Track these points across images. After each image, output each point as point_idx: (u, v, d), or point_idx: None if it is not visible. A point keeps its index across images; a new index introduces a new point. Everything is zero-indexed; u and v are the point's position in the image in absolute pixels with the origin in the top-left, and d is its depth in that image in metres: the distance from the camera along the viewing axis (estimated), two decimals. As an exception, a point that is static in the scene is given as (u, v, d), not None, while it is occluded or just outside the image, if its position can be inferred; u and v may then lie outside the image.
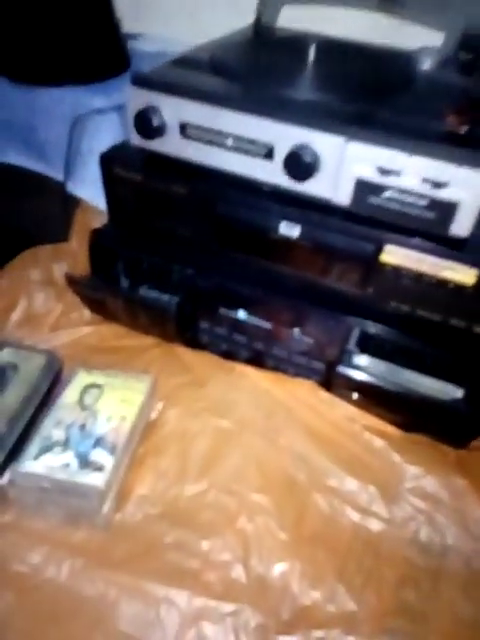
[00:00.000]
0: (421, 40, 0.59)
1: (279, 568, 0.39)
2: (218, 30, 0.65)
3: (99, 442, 0.40)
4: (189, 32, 0.78)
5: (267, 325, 0.54)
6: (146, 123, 0.48)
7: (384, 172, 0.41)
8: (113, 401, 0.43)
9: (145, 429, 0.48)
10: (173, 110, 0.47)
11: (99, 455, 0.39)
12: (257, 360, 0.56)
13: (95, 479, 0.37)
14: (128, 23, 0.83)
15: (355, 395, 0.51)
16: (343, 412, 0.51)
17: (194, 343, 0.58)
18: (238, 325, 0.56)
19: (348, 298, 0.49)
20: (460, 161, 0.38)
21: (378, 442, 0.48)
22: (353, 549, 0.41)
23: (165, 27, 0.85)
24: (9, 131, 0.71)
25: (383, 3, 0.62)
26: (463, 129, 0.42)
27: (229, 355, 0.57)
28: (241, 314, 0.55)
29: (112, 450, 0.39)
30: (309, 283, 0.50)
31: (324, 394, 0.52)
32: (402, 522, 0.43)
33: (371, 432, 0.49)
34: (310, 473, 0.46)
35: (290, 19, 0.69)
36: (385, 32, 0.68)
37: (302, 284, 0.51)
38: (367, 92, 0.47)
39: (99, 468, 0.38)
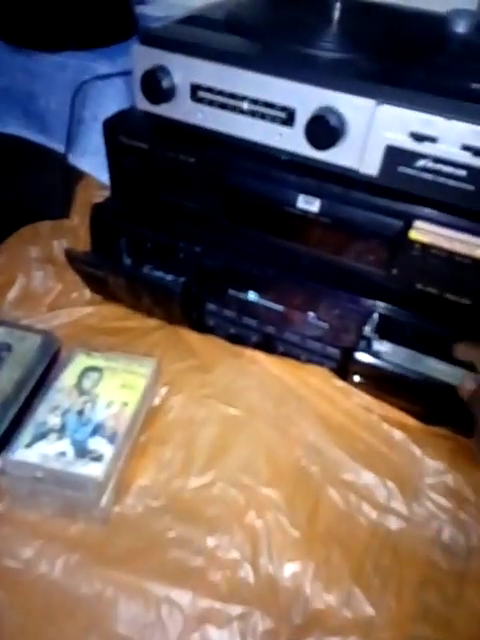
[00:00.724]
0: (455, 3, 0.55)
1: (290, 568, 0.36)
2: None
3: (98, 429, 0.37)
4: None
5: (279, 308, 0.51)
6: (154, 85, 0.44)
7: (418, 138, 0.37)
8: (113, 386, 0.40)
9: (147, 416, 0.45)
10: (184, 71, 0.43)
11: (98, 443, 0.36)
12: (268, 345, 0.53)
13: (93, 469, 0.34)
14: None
15: (372, 384, 0.48)
16: (359, 401, 0.47)
17: (200, 326, 0.55)
18: (248, 307, 0.52)
19: (369, 279, 0.46)
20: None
21: (397, 434, 0.45)
22: (370, 549, 0.38)
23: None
24: (8, 100, 0.67)
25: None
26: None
27: (238, 339, 0.54)
28: (251, 295, 0.52)
29: (112, 438, 0.36)
30: (327, 263, 0.47)
31: (339, 382, 0.49)
32: (423, 520, 0.40)
33: (389, 423, 0.46)
34: (324, 466, 0.43)
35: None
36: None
37: (319, 264, 0.47)
38: (398, 52, 0.43)
39: (97, 458, 0.35)
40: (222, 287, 0.53)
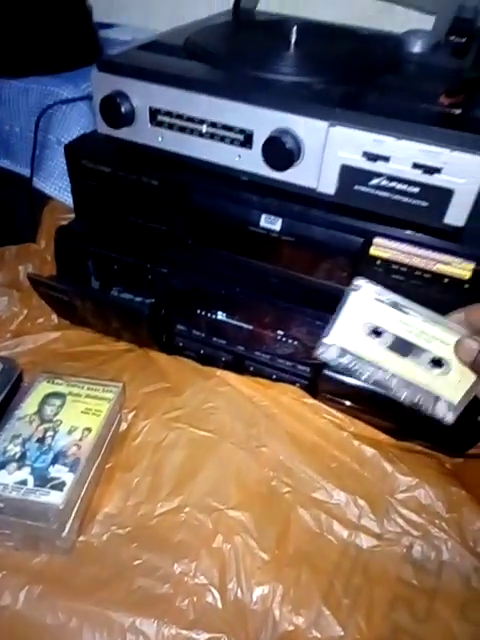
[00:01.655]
0: (411, 24, 0.59)
1: (259, 591, 0.37)
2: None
3: (59, 457, 0.37)
4: (167, 22, 0.77)
5: (248, 327, 0.53)
6: (113, 110, 0.46)
7: (371, 158, 0.39)
8: (76, 412, 0.41)
9: (114, 441, 0.45)
10: (142, 95, 0.45)
11: (59, 471, 0.36)
12: (238, 365, 0.54)
13: (53, 498, 0.35)
14: (102, 12, 0.82)
15: (343, 401, 0.50)
16: (330, 419, 0.49)
17: (170, 348, 0.56)
18: (217, 327, 0.54)
19: (336, 296, 0.47)
20: (454, 144, 0.37)
21: (368, 451, 0.46)
22: (341, 568, 0.39)
23: (142, 16, 0.84)
24: (-28, 125, 0.69)
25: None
26: (456, 111, 0.41)
27: (208, 360, 0.55)
28: (220, 315, 0.53)
29: (73, 466, 0.37)
30: (293, 281, 0.48)
31: (310, 400, 0.50)
32: (394, 537, 0.41)
33: (360, 440, 0.47)
34: (295, 486, 0.44)
35: (270, 4, 0.68)
36: (374, 16, 0.67)
37: (285, 282, 0.49)
38: (353, 74, 0.46)
39: (58, 485, 0.36)
40: (191, 308, 0.54)
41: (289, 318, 0.50)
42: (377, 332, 0.40)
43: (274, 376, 0.53)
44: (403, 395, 0.39)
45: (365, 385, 0.46)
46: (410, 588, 0.38)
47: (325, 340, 0.40)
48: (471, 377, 0.39)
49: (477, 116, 0.39)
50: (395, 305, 0.40)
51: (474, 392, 0.39)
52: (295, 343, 0.51)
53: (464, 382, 0.39)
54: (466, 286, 0.41)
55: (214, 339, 0.55)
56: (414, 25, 0.59)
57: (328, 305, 0.48)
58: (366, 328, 0.40)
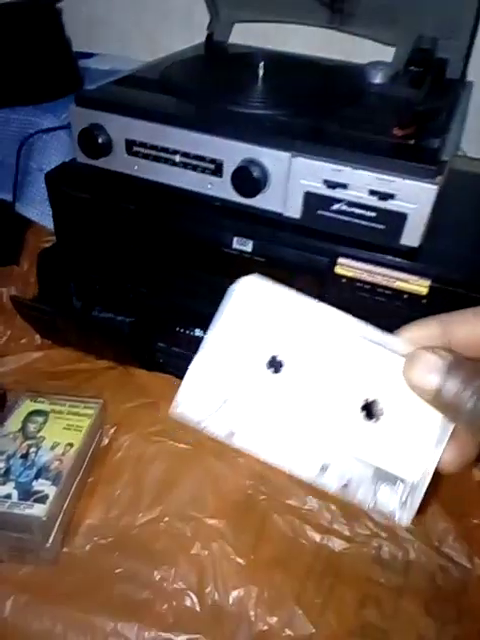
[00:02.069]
0: (373, 55, 0.63)
1: (235, 594, 0.39)
2: (174, 49, 0.67)
3: (42, 472, 0.40)
4: (145, 51, 0.81)
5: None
6: (91, 142, 0.49)
7: (331, 185, 0.43)
8: (58, 428, 0.43)
9: (97, 456, 0.48)
10: (118, 128, 0.49)
11: (42, 485, 0.39)
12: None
13: (37, 510, 0.37)
14: (81, 42, 0.86)
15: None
16: (304, 430, 0.52)
17: (150, 365, 0.59)
18: (195, 343, 0.57)
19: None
20: (405, 173, 0.40)
21: (339, 459, 0.49)
22: (313, 570, 0.42)
23: (120, 46, 0.88)
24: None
25: (334, 19, 0.65)
26: (410, 141, 0.45)
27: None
28: (198, 332, 0.56)
29: (56, 479, 0.39)
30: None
31: (284, 412, 0.53)
32: (364, 539, 0.44)
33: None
34: (270, 493, 0.47)
35: (242, 36, 0.73)
36: (337, 48, 0.72)
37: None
38: (316, 106, 0.50)
39: (41, 499, 0.38)
40: (170, 326, 0.57)
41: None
42: (273, 359, 0.25)
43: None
44: (316, 476, 0.24)
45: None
46: (378, 587, 0.41)
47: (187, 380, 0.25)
48: (434, 423, 0.23)
49: (427, 146, 0.43)
50: (299, 310, 0.25)
51: (443, 455, 0.23)
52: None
53: (421, 436, 0.23)
54: (424, 301, 0.45)
55: (193, 355, 0.58)
56: (378, 56, 0.64)
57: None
58: (258, 351, 0.25)
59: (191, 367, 0.26)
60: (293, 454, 0.24)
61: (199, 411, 0.25)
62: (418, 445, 0.23)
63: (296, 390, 0.24)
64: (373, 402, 0.24)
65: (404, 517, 0.23)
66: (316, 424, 0.24)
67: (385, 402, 0.24)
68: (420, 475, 0.23)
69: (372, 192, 0.42)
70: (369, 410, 0.24)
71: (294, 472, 0.24)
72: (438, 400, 0.22)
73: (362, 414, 0.24)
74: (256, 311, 0.26)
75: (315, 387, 0.24)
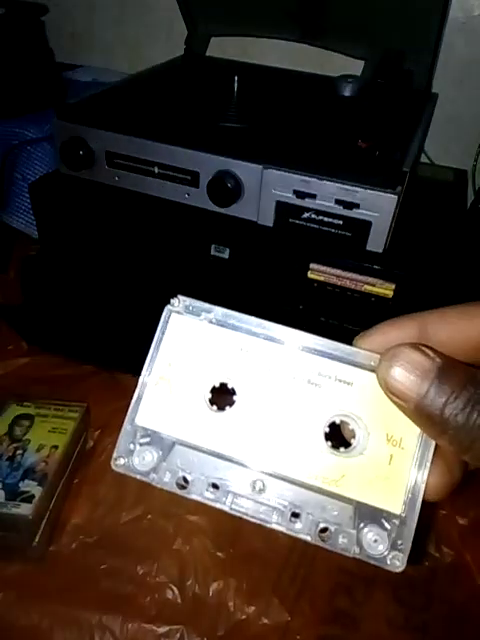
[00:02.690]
0: (346, 68, 0.65)
1: (214, 586, 0.41)
2: (156, 61, 0.69)
3: (28, 473, 0.41)
4: (127, 63, 0.83)
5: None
6: (72, 154, 0.51)
7: (300, 195, 0.45)
8: (44, 431, 0.45)
9: (82, 458, 0.49)
10: (99, 141, 0.51)
11: (28, 486, 0.40)
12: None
13: (23, 509, 0.39)
14: (65, 54, 0.87)
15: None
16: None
17: (135, 368, 0.61)
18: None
19: (282, 314, 0.53)
20: (368, 183, 0.43)
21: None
22: (289, 562, 0.43)
23: (103, 58, 0.90)
24: None
25: (306, 34, 0.68)
26: (374, 152, 0.47)
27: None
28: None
29: (41, 480, 0.41)
30: (244, 302, 0.53)
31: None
32: (338, 533, 0.46)
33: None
34: (249, 491, 0.48)
35: (220, 48, 0.75)
36: (311, 61, 0.74)
37: (237, 303, 0.54)
38: (286, 119, 0.52)
39: (28, 498, 0.40)
40: (152, 330, 0.59)
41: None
42: (221, 391, 0.22)
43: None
44: (287, 527, 0.21)
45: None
46: (350, 576, 0.43)
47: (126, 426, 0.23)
48: (412, 442, 0.20)
49: (389, 157, 0.45)
50: (249, 331, 0.23)
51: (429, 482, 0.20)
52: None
53: (400, 460, 0.20)
54: (390, 303, 0.47)
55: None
56: (350, 68, 0.66)
57: (276, 322, 0.53)
58: (202, 384, 0.22)
59: (129, 410, 0.23)
60: (257, 502, 0.21)
61: (143, 462, 0.22)
62: (398, 471, 0.20)
63: (249, 425, 0.21)
64: (339, 426, 0.21)
65: (396, 562, 0.20)
66: (277, 462, 0.21)
67: (353, 425, 0.21)
68: (405, 506, 0.20)
69: (338, 201, 0.44)
70: (334, 438, 0.21)
71: (263, 523, 0.21)
72: (420, 411, 0.18)
73: (327, 444, 0.21)
74: (196, 338, 0.22)
75: (269, 420, 0.21)
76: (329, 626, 0.40)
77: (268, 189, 0.46)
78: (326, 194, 0.44)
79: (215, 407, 0.22)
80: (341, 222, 0.45)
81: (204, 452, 0.21)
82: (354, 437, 0.20)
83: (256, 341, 0.22)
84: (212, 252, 0.51)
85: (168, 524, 0.45)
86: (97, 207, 0.53)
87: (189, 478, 0.21)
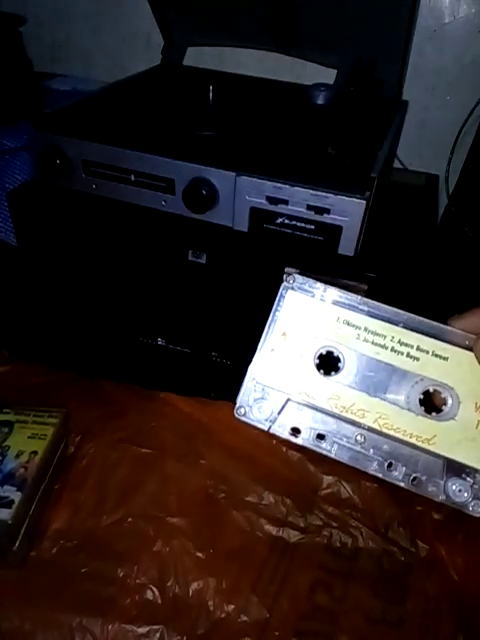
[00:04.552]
0: (316, 77, 0.67)
1: (194, 586, 0.42)
2: (135, 70, 0.70)
3: (8, 479, 0.42)
4: (106, 72, 0.84)
5: (186, 350, 0.58)
6: (49, 163, 0.52)
7: (273, 201, 0.46)
8: (23, 437, 0.45)
9: (63, 464, 0.50)
10: (76, 150, 0.51)
11: (7, 491, 0.41)
12: (179, 386, 0.60)
13: (2, 514, 0.39)
14: (44, 63, 0.88)
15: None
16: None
17: (115, 374, 0.61)
18: (158, 352, 0.59)
19: (263, 319, 0.54)
20: (337, 189, 0.44)
21: (295, 455, 0.52)
22: (269, 561, 0.44)
23: (83, 67, 0.91)
24: None
25: (280, 43, 0.69)
26: (344, 159, 0.49)
27: (151, 383, 0.60)
28: (160, 341, 0.59)
29: (21, 485, 0.41)
30: (223, 306, 0.55)
31: (243, 414, 0.55)
32: (317, 529, 0.47)
33: (288, 446, 0.53)
34: (229, 492, 0.49)
35: (198, 58, 0.76)
36: (287, 70, 0.76)
37: (217, 308, 0.55)
38: (259, 127, 0.53)
39: (7, 504, 0.40)
40: (132, 335, 0.59)
41: (223, 340, 0.56)
42: (329, 358, 0.26)
43: (212, 394, 0.59)
44: (383, 474, 0.25)
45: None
46: (329, 572, 0.44)
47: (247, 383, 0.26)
48: None
49: (358, 163, 0.47)
50: (354, 307, 0.26)
51: None
52: (229, 362, 0.57)
53: None
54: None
55: (156, 363, 0.60)
56: (324, 77, 0.68)
57: (256, 326, 0.54)
58: (311, 351, 0.26)
59: (250, 369, 0.27)
60: (358, 451, 0.25)
61: (262, 412, 0.27)
62: None
63: (353, 387, 0.26)
64: (434, 394, 0.25)
65: (478, 508, 0.24)
66: (377, 421, 0.25)
67: (446, 394, 0.25)
68: None
69: (310, 207, 0.45)
70: (429, 403, 0.25)
71: (363, 469, 0.26)
72: None
73: (421, 408, 0.25)
74: (307, 312, 0.27)
75: (370, 386, 0.25)
76: (307, 622, 0.40)
77: (242, 195, 0.47)
78: (298, 200, 0.45)
79: (322, 371, 0.26)
80: (313, 227, 0.46)
81: (312, 408, 0.26)
82: (445, 404, 0.25)
83: (361, 317, 0.26)
84: (189, 257, 0.52)
85: (148, 526, 0.45)
86: (75, 215, 0.54)
87: (300, 428, 0.26)
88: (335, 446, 0.26)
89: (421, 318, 0.25)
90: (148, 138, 0.51)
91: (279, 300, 0.28)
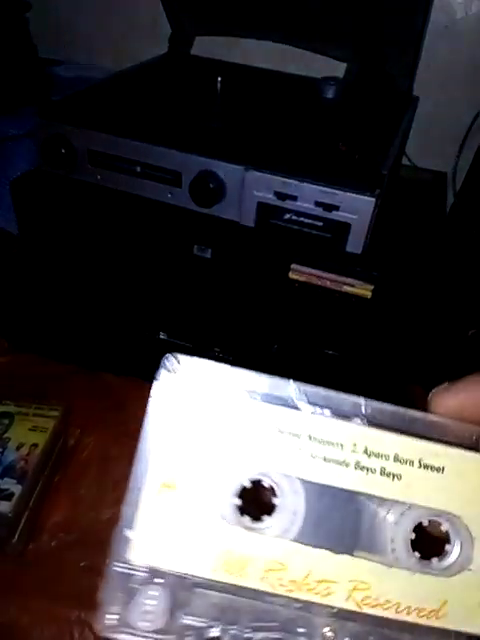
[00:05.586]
0: (326, 70, 0.66)
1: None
2: (141, 58, 0.70)
3: (8, 471, 0.42)
4: (112, 59, 0.83)
5: (188, 345, 0.58)
6: (53, 153, 0.51)
7: (281, 197, 0.46)
8: (24, 429, 0.45)
9: (63, 457, 0.50)
10: (81, 140, 0.51)
11: (8, 484, 0.41)
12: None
13: (2, 507, 0.39)
14: (49, 50, 0.87)
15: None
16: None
17: (116, 367, 0.61)
18: (160, 346, 0.59)
19: (266, 314, 0.54)
20: (346, 186, 0.44)
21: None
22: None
23: (87, 53, 0.90)
24: None
25: (290, 35, 0.69)
26: (354, 155, 0.48)
27: (152, 377, 0.60)
28: (162, 335, 0.59)
29: (21, 478, 0.42)
30: (227, 302, 0.54)
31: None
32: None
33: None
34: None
35: (206, 47, 0.75)
36: (296, 62, 0.75)
37: (221, 304, 0.55)
38: (268, 121, 0.53)
39: (7, 496, 0.40)
40: (134, 329, 0.59)
41: (225, 335, 0.56)
42: (256, 493, 0.16)
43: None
44: None
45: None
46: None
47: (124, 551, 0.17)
48: None
49: (368, 160, 0.46)
50: (284, 401, 0.16)
51: None
52: (230, 358, 0.57)
53: None
54: (369, 303, 0.48)
55: (157, 357, 0.60)
56: (333, 70, 0.67)
57: (260, 321, 0.54)
58: (224, 486, 0.16)
59: (114, 546, 0.18)
60: None
61: (147, 618, 0.16)
62: None
63: (304, 542, 0.15)
64: (430, 529, 0.16)
65: None
66: (349, 592, 0.15)
67: (448, 527, 0.16)
68: None
69: (318, 203, 0.45)
70: (426, 545, 0.16)
71: None
72: None
73: (414, 556, 0.16)
74: (208, 427, 0.16)
75: (331, 531, 0.15)
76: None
77: (250, 190, 0.47)
78: (306, 196, 0.45)
79: (248, 518, 0.16)
80: (321, 223, 0.46)
81: (240, 595, 0.15)
82: (450, 543, 0.16)
83: (302, 417, 0.16)
84: (194, 252, 0.52)
85: (148, 521, 0.45)
86: (79, 205, 0.53)
87: (220, 634, 0.15)
88: None
89: (393, 407, 0.16)
90: (155, 129, 0.50)
91: (156, 404, 0.17)
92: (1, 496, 0.40)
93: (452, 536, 0.15)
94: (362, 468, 0.15)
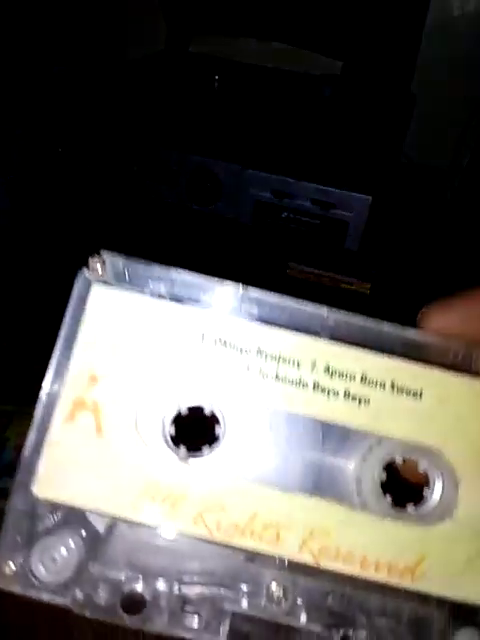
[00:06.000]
0: (322, 68, 0.66)
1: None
2: (138, 55, 0.69)
3: (7, 470, 0.42)
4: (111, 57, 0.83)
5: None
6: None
7: (278, 195, 0.46)
8: (23, 429, 0.45)
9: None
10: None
11: (7, 483, 0.41)
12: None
13: (1, 505, 0.39)
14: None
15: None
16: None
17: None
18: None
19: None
20: (343, 184, 0.44)
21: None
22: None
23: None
24: None
25: (287, 33, 0.69)
26: (350, 153, 0.48)
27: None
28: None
29: (21, 476, 0.42)
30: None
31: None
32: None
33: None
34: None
35: (199, 46, 0.75)
36: (295, 60, 0.75)
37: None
38: (268, 118, 0.53)
39: (7, 495, 0.40)
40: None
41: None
42: (194, 421, 0.13)
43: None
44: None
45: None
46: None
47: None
48: None
49: (365, 158, 0.47)
50: (234, 309, 0.14)
51: None
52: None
53: None
54: (368, 299, 0.48)
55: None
56: (331, 68, 0.67)
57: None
58: (156, 412, 0.13)
59: (17, 476, 0.14)
60: (276, 622, 0.13)
61: (53, 567, 0.13)
62: None
63: (251, 479, 0.13)
64: (406, 467, 0.13)
65: None
66: (303, 540, 0.12)
67: (427, 464, 0.13)
68: None
69: (315, 202, 0.45)
70: (400, 487, 0.13)
71: None
72: None
73: (386, 501, 0.13)
74: (139, 328, 0.13)
75: (280, 468, 0.13)
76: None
77: (247, 189, 0.47)
78: (303, 194, 0.45)
79: (183, 450, 0.12)
80: (318, 222, 0.46)
81: (165, 540, 0.12)
82: (429, 485, 0.12)
83: (251, 327, 0.13)
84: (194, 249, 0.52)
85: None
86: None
87: (142, 590, 0.12)
88: (226, 621, 0.12)
89: (362, 318, 0.13)
90: (151, 127, 0.51)
91: (75, 308, 0.13)
92: (1, 495, 0.40)
93: (431, 477, 0.12)
94: (322, 390, 0.12)
